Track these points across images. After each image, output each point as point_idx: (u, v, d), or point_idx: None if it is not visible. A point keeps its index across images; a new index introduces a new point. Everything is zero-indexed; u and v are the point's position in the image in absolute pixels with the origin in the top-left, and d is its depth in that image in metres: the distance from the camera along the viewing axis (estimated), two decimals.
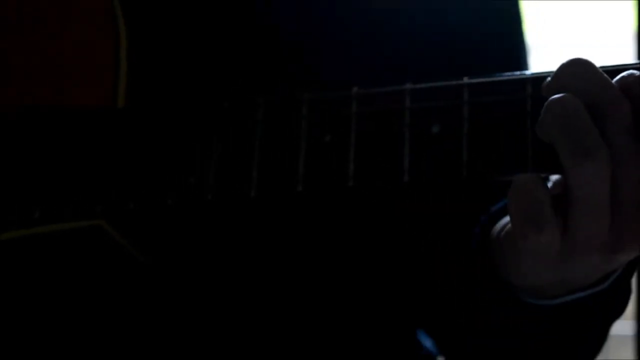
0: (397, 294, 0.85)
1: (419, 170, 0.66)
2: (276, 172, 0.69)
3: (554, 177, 0.66)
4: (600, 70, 0.62)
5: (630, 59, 2.27)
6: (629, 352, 2.20)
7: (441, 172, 0.66)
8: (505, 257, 0.67)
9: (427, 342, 0.92)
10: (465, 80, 0.67)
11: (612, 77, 0.63)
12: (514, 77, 0.67)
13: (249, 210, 0.77)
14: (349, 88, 0.69)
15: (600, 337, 0.78)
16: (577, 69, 0.62)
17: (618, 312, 0.73)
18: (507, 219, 0.68)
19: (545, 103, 0.61)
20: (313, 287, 0.81)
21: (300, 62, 0.80)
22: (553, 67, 0.65)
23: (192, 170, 0.70)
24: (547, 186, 0.62)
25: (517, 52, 0.90)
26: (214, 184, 0.70)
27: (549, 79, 0.63)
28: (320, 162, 0.68)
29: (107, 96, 0.73)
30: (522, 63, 0.89)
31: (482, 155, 0.65)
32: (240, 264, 0.79)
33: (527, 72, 0.67)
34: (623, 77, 0.62)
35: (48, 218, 0.72)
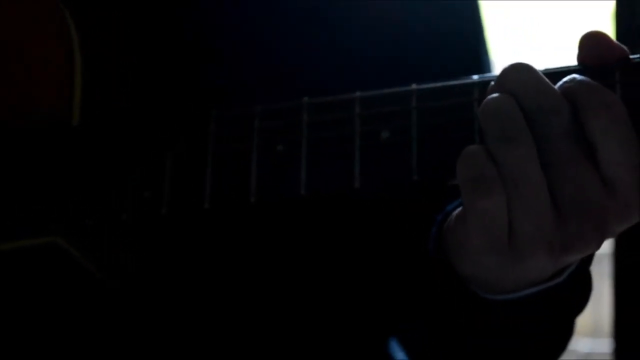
0: (371, 302, 0.86)
1: (370, 176, 0.67)
2: (229, 184, 0.70)
3: None
4: (542, 74, 0.64)
5: None
6: None
7: (392, 177, 0.67)
8: (456, 246, 0.67)
9: (399, 355, 0.92)
10: (414, 86, 0.68)
11: (556, 79, 0.64)
12: (461, 82, 0.68)
13: (206, 223, 0.78)
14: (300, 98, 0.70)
15: (563, 333, 0.78)
16: (518, 73, 0.64)
17: (580, 306, 0.74)
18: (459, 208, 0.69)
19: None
20: (277, 300, 0.81)
21: (247, 79, 0.81)
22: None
23: (147, 184, 0.71)
24: (486, 156, 0.63)
25: (478, 61, 0.91)
26: (168, 198, 0.70)
27: (492, 83, 0.65)
28: (273, 173, 0.69)
29: (61, 114, 0.74)
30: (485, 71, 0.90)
31: (432, 159, 0.67)
32: (204, 277, 0.80)
33: (474, 77, 0.68)
34: (565, 81, 0.64)
35: (3, 236, 0.73)
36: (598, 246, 0.63)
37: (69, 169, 0.73)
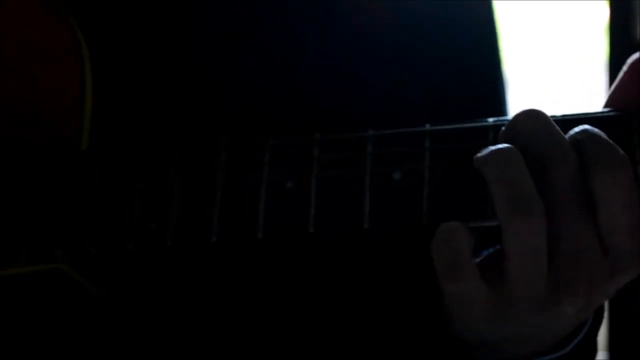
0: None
1: (379, 217, 0.66)
2: (237, 218, 0.68)
3: None
4: (553, 122, 0.63)
5: (602, 87, 2.28)
6: None
7: (401, 220, 0.66)
8: (447, 308, 0.67)
9: None
10: (427, 127, 0.67)
11: (568, 126, 0.63)
12: (476, 124, 0.67)
13: (212, 253, 0.77)
14: (312, 133, 0.69)
15: None
16: (529, 120, 0.63)
17: None
18: None
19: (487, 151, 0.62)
20: (271, 333, 0.80)
21: (257, 109, 0.80)
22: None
23: (154, 215, 0.70)
24: (469, 236, 0.62)
25: (494, 83, 0.89)
26: (175, 229, 0.69)
27: (503, 128, 0.64)
28: (281, 209, 0.68)
29: (70, 138, 0.73)
30: (500, 95, 0.89)
31: (443, 203, 0.65)
32: (208, 306, 0.79)
33: (490, 120, 0.67)
34: (576, 132, 0.63)
35: (7, 262, 0.72)
36: (585, 303, 0.62)
37: (76, 195, 0.71)
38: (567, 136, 0.62)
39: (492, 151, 0.62)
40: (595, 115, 0.65)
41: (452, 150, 0.66)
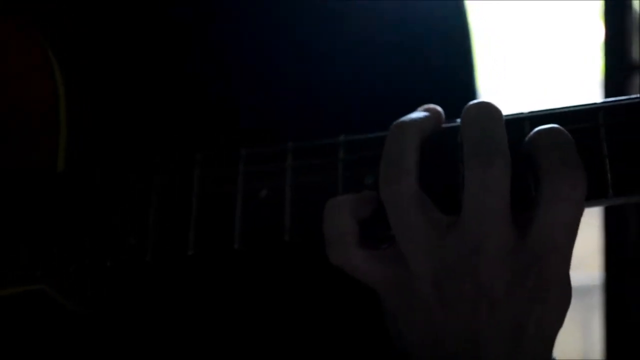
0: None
1: None
2: (213, 230, 0.69)
3: None
4: (497, 123, 0.63)
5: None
6: None
7: (376, 223, 0.66)
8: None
9: None
10: None
11: (534, 122, 0.64)
12: (448, 125, 0.67)
13: (190, 266, 0.77)
14: (285, 141, 0.70)
15: None
16: (477, 112, 0.64)
17: None
18: None
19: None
20: (263, 339, 0.80)
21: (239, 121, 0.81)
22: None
23: (131, 231, 0.70)
24: (347, 212, 0.64)
25: (464, 85, 0.90)
26: (152, 244, 0.70)
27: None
28: (257, 218, 0.68)
29: (46, 159, 0.73)
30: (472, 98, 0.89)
31: None
32: (187, 318, 0.79)
33: (458, 120, 0.67)
34: (534, 134, 0.63)
35: None
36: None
37: (53, 215, 0.72)
38: (529, 136, 0.63)
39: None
40: (562, 110, 0.66)
41: (422, 151, 0.66)
